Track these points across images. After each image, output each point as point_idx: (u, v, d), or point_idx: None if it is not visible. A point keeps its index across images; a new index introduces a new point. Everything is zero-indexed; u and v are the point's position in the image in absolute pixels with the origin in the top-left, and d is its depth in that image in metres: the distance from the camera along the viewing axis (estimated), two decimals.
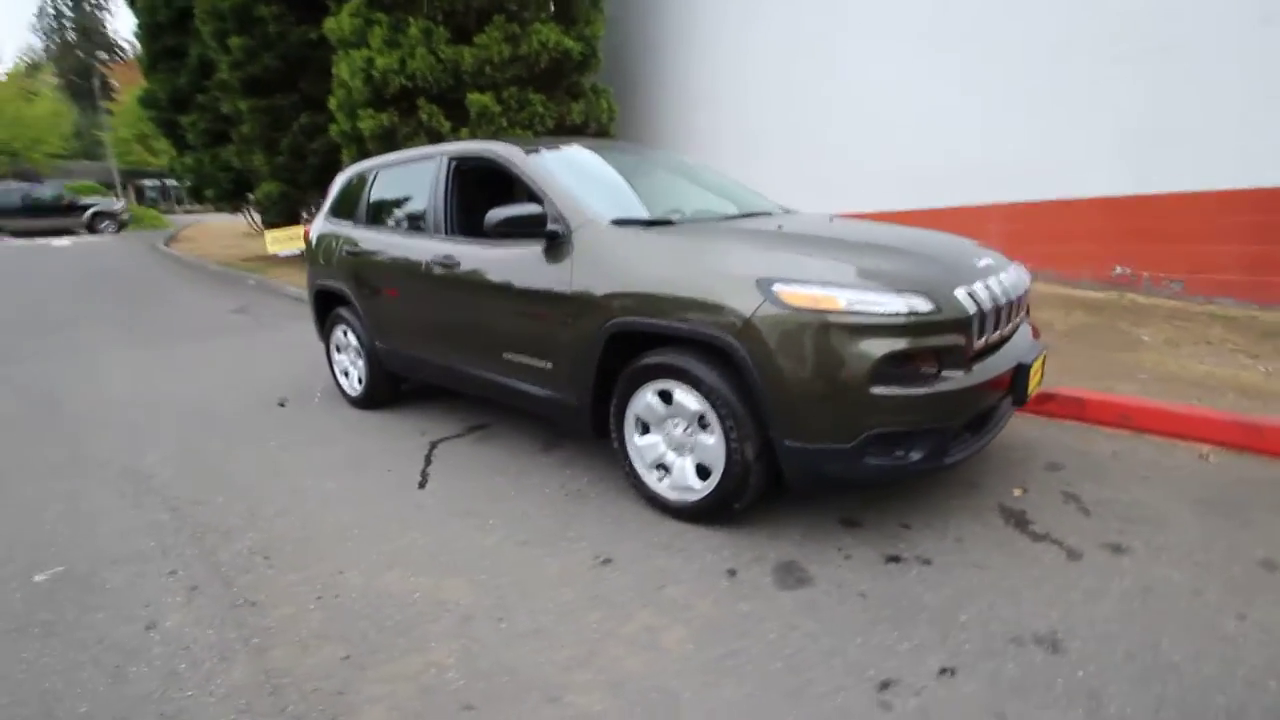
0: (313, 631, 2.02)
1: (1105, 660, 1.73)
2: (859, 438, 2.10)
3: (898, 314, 2.07)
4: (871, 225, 3.01)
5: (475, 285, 3.13)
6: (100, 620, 2.12)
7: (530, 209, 2.76)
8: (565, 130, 9.70)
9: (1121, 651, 1.75)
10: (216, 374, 5.26)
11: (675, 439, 2.52)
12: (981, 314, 2.25)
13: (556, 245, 2.78)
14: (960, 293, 2.21)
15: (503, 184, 3.43)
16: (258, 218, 15.51)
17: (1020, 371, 2.41)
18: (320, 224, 4.41)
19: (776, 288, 2.14)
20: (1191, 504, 2.50)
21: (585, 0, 9.49)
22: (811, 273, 2.18)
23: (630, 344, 2.56)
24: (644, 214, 2.93)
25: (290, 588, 2.25)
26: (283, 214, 12.33)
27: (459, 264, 3.21)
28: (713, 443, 2.36)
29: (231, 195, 15.52)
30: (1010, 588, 2.03)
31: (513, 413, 3.95)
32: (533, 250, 2.89)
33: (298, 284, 8.88)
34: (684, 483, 2.50)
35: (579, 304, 2.64)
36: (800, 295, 2.11)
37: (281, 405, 4.45)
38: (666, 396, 2.48)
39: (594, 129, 9.81)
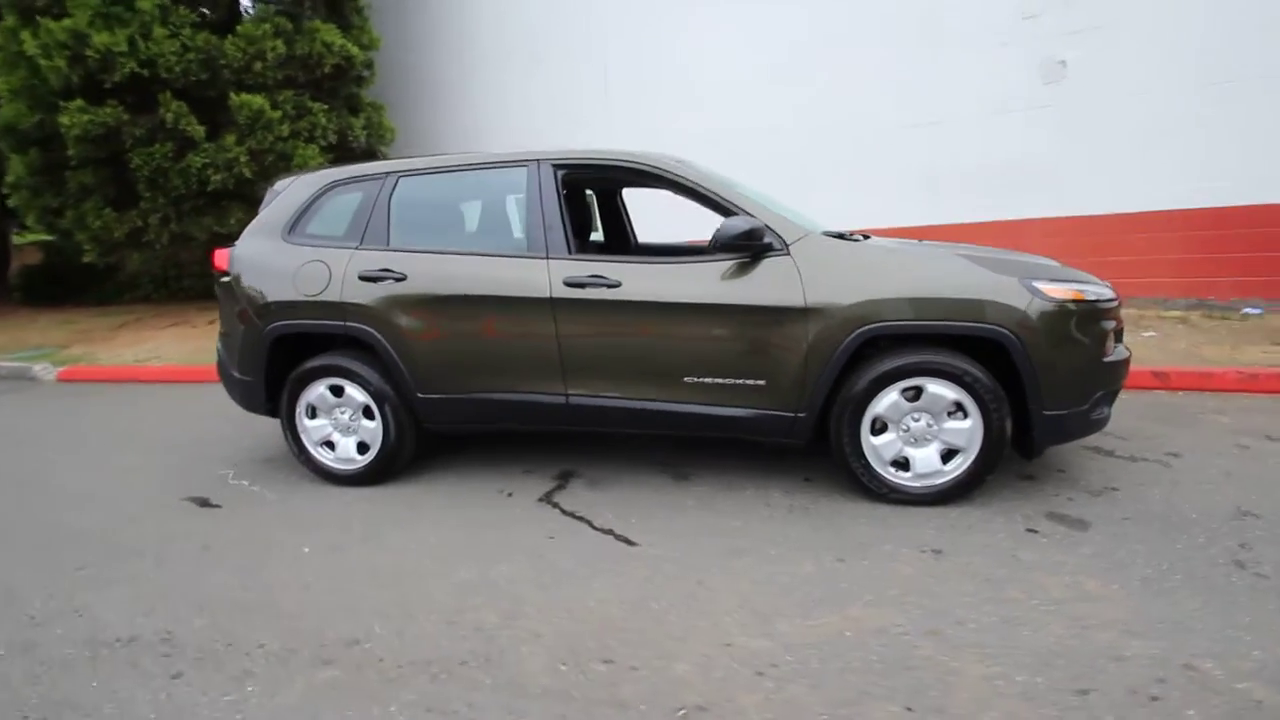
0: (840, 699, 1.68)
1: None
2: (1091, 399, 2.66)
3: (1112, 299, 2.69)
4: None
5: (648, 307, 2.79)
6: None
7: (752, 222, 2.65)
8: (348, 148, 8.44)
9: None
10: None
11: (916, 432, 2.72)
12: None
13: (761, 258, 2.73)
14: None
15: (578, 196, 3.10)
16: None
17: None
18: (270, 247, 3.22)
19: (1039, 285, 2.58)
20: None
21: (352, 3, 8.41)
22: (1050, 274, 2.67)
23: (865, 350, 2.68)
24: (821, 226, 3.03)
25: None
26: None
27: (619, 284, 2.80)
28: (968, 426, 2.64)
29: None
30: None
31: (590, 448, 3.55)
32: (724, 265, 2.77)
33: None
34: (930, 468, 2.71)
35: (819, 316, 2.64)
36: (1058, 290, 2.57)
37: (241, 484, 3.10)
38: (915, 393, 2.68)
39: (361, 149, 8.73)
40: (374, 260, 3.06)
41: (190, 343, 7.55)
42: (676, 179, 2.88)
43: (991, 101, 6.55)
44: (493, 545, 2.61)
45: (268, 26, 7.04)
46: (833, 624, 2.01)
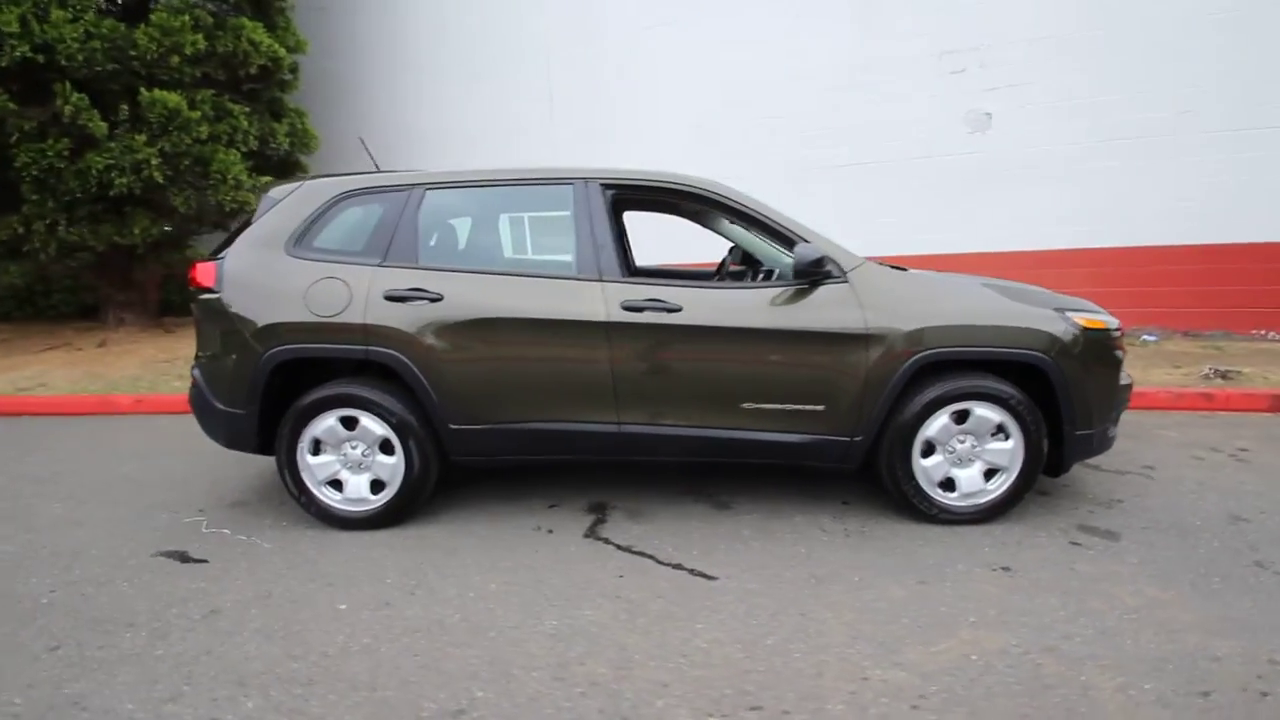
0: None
1: None
2: (1108, 420, 2.90)
3: (1119, 327, 2.96)
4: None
5: (710, 333, 2.73)
6: None
7: (823, 249, 2.69)
8: (265, 156, 7.75)
9: None
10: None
11: (961, 453, 2.83)
12: None
13: (820, 285, 2.76)
14: None
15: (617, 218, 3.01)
16: None
17: None
18: (271, 262, 2.85)
19: (1071, 314, 2.78)
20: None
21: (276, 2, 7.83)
22: (1075, 305, 2.90)
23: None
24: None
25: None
26: None
27: (680, 309, 2.72)
28: (1010, 446, 2.79)
29: None
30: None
31: (612, 478, 3.40)
32: (782, 291, 2.79)
33: None
34: (975, 488, 2.83)
35: (879, 342, 2.70)
36: (1086, 319, 2.79)
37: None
38: (961, 416, 2.79)
39: (280, 157, 8.10)
40: (402, 279, 2.79)
41: (78, 368, 6.51)
42: (735, 204, 2.87)
43: (920, 146, 7.12)
44: (562, 588, 2.42)
45: (186, 18, 6.34)
46: (954, 649, 2.03)
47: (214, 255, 3.01)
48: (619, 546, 2.76)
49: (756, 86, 7.60)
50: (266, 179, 7.43)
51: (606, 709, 1.79)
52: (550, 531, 2.91)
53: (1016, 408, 2.76)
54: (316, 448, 2.89)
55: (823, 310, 2.74)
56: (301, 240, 2.88)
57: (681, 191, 2.93)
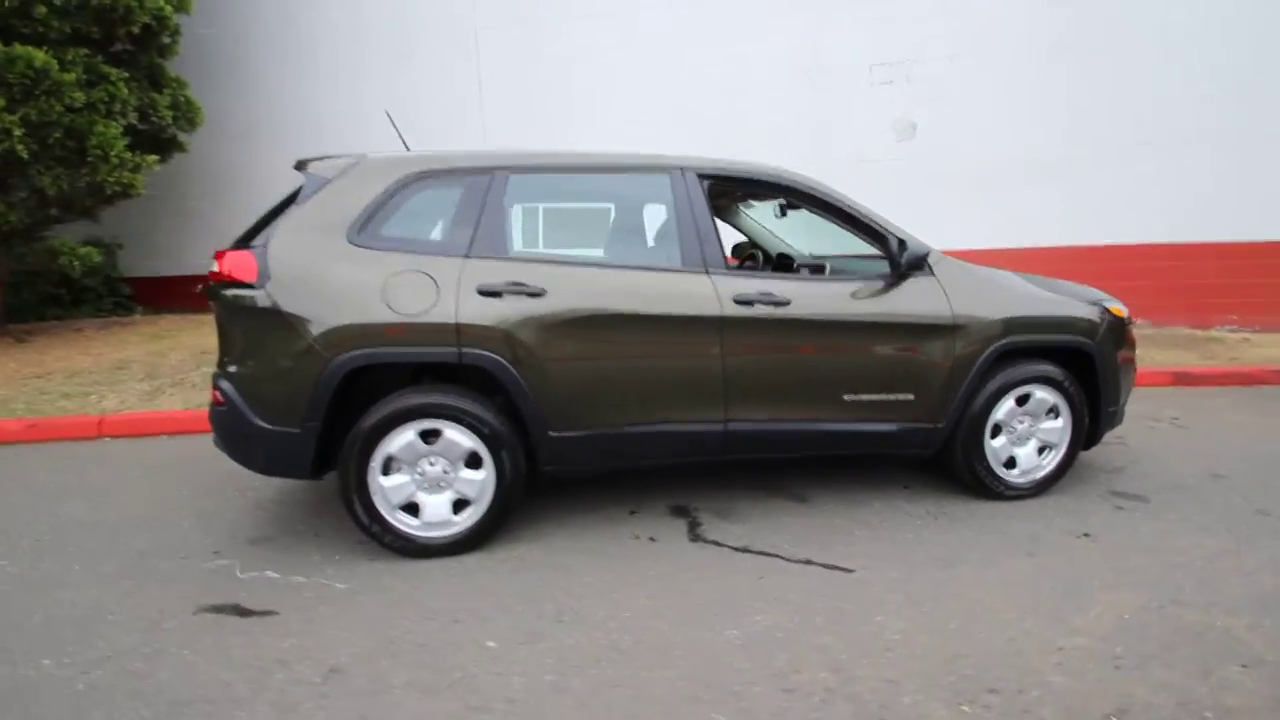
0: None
1: None
2: (1125, 398, 3.29)
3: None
4: None
5: (817, 326, 2.72)
6: None
7: (925, 245, 2.78)
8: (149, 134, 6.61)
9: None
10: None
11: (1020, 433, 3.08)
12: None
13: (907, 277, 2.87)
14: None
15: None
16: None
17: None
18: (332, 251, 2.43)
19: (1106, 304, 3.12)
20: None
21: None
22: (1097, 295, 3.23)
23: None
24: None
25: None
26: None
27: (789, 303, 2.67)
28: (1060, 425, 3.08)
29: None
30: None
31: (673, 480, 3.30)
32: (874, 283, 2.87)
33: None
34: (1032, 464, 3.09)
35: (963, 331, 2.86)
36: (1113, 309, 3.14)
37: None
38: (1023, 399, 3.03)
39: (161, 132, 7.00)
40: (495, 272, 2.49)
41: None
42: (826, 198, 2.90)
43: (852, 150, 7.62)
44: (714, 597, 2.31)
45: None
46: (1105, 611, 2.20)
47: (244, 244, 2.50)
48: (734, 548, 2.68)
49: (699, 85, 7.70)
50: (153, 158, 6.31)
51: (860, 713, 1.74)
52: (653, 539, 2.76)
53: (1068, 389, 3.05)
54: (386, 467, 2.51)
55: (916, 302, 2.86)
56: (367, 227, 2.47)
57: (774, 184, 2.91)
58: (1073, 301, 3.12)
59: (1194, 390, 5.29)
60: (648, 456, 2.76)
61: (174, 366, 5.60)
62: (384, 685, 1.86)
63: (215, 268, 2.49)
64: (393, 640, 2.07)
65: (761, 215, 4.11)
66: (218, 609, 2.26)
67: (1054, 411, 3.10)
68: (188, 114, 7.08)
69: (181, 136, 7.57)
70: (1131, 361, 3.31)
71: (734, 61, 7.63)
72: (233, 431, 2.48)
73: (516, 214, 2.64)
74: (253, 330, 2.42)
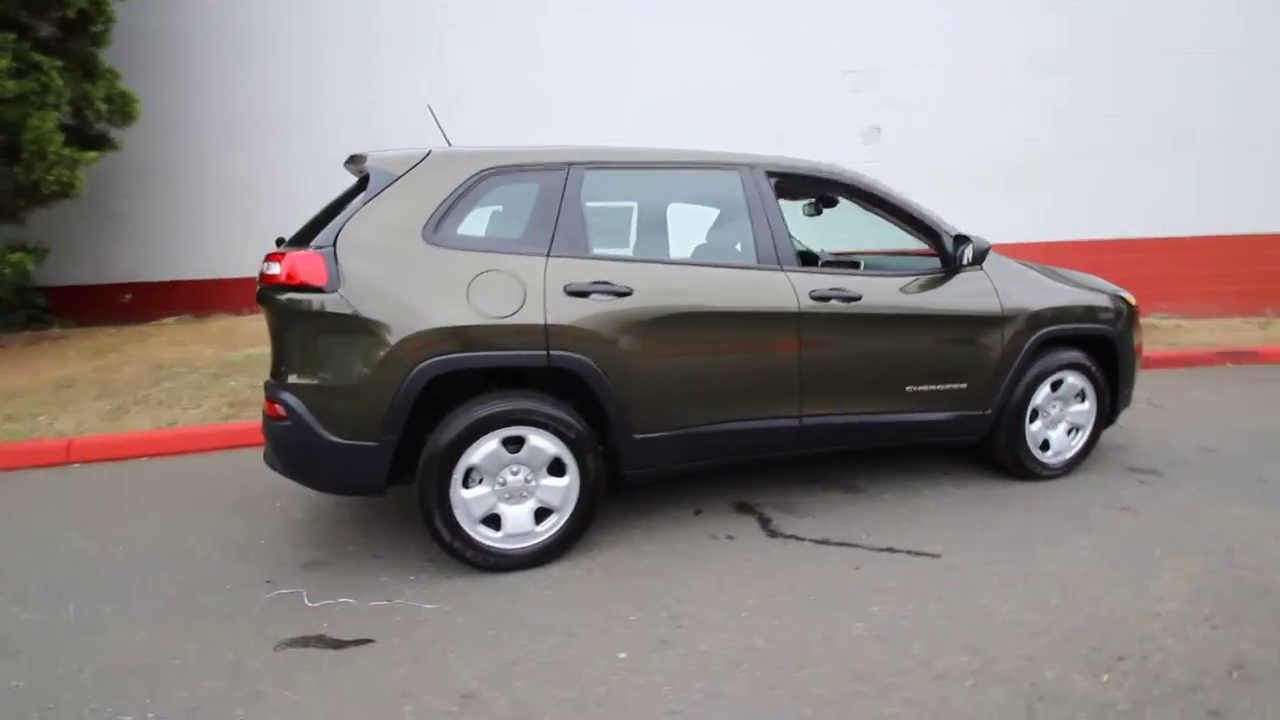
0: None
1: None
2: (1135, 380, 3.55)
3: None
4: None
5: (885, 320, 2.78)
6: None
7: (987, 240, 2.89)
8: (76, 130, 5.99)
9: None
10: None
11: (1054, 416, 3.25)
12: None
13: (956, 270, 2.97)
14: None
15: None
16: None
17: None
18: (407, 250, 2.27)
19: (1121, 294, 3.33)
20: None
21: None
22: (1113, 286, 3.45)
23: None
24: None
25: None
26: None
27: (860, 298, 2.70)
28: (1086, 408, 3.28)
29: None
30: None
31: (725, 477, 3.28)
32: (927, 277, 2.96)
33: None
34: (1063, 445, 3.27)
35: (1011, 322, 3.00)
36: (1128, 298, 3.37)
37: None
38: (1055, 385, 3.20)
39: (93, 127, 6.44)
40: (579, 271, 2.40)
41: None
42: (885, 197, 2.97)
43: (825, 153, 7.85)
44: (819, 590, 2.31)
45: None
46: (1178, 578, 2.35)
47: (301, 243, 2.29)
48: (814, 541, 2.70)
49: (671, 87, 7.71)
50: (93, 154, 5.70)
51: (1016, 693, 1.79)
52: (730, 538, 2.74)
53: (1094, 374, 3.26)
54: (465, 479, 2.36)
55: (970, 295, 2.97)
56: (442, 225, 2.32)
57: (833, 181, 2.95)
58: (1096, 292, 3.33)
59: (1151, 373, 5.77)
60: (728, 454, 2.73)
61: (129, 383, 5.08)
62: (531, 708, 1.75)
63: (271, 270, 2.27)
64: (515, 660, 1.95)
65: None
66: (302, 642, 2.06)
67: (1081, 395, 3.30)
68: (123, 108, 6.44)
69: (114, 133, 6.90)
70: (1140, 347, 3.57)
71: (708, 66, 7.70)
72: (297, 448, 2.27)
73: (597, 211, 2.55)
74: (323, 337, 2.22)
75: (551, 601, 2.28)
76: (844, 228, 3.74)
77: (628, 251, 2.55)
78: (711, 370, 2.61)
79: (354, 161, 2.46)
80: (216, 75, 8.04)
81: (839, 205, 3.47)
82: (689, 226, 2.83)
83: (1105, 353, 3.31)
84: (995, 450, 3.22)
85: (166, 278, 8.44)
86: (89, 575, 2.53)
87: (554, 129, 7.85)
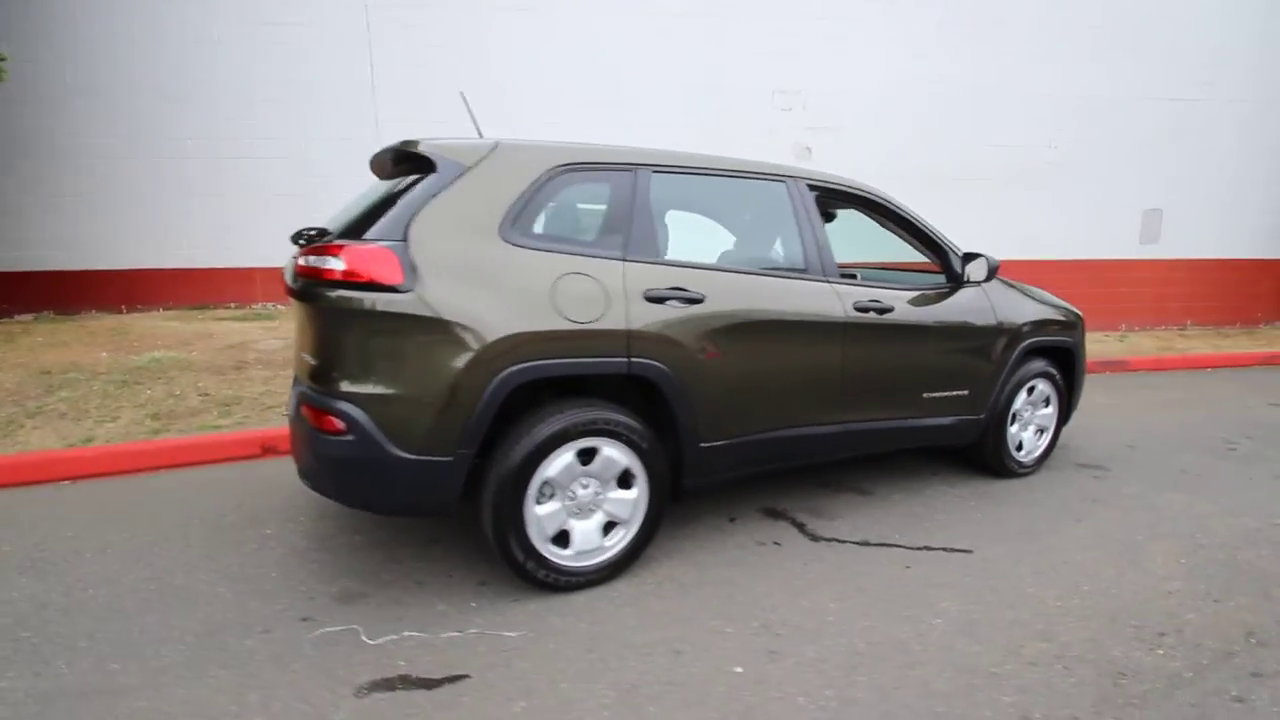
0: None
1: None
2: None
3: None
4: None
5: (909, 331, 2.98)
6: None
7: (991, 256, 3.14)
8: None
9: None
10: None
11: (1025, 420, 3.60)
12: None
13: (960, 285, 3.22)
14: None
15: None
16: None
17: None
18: (487, 250, 2.11)
19: (1073, 309, 3.76)
20: None
21: None
22: (1062, 301, 3.88)
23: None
24: None
25: None
26: None
27: (892, 309, 2.84)
28: (1051, 411, 3.68)
29: None
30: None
31: (750, 484, 3.36)
32: (937, 291, 3.20)
33: None
34: (1032, 445, 3.64)
35: (1004, 333, 3.30)
36: (1078, 312, 3.81)
37: None
38: (1030, 391, 3.55)
39: None
40: (655, 276, 2.33)
41: None
42: (904, 215, 3.16)
43: None
44: (884, 590, 2.42)
45: None
46: (1167, 559, 2.71)
47: (357, 236, 2.03)
48: (856, 543, 2.80)
49: (608, 90, 7.69)
50: None
51: (1100, 672, 1.97)
52: (778, 544, 2.78)
53: (1058, 381, 3.66)
54: (539, 494, 2.22)
55: (973, 309, 3.24)
56: (518, 223, 2.16)
57: (863, 198, 3.08)
58: (1057, 308, 3.74)
59: None
60: (781, 461, 2.78)
61: (12, 392, 4.24)
62: None
63: (324, 265, 2.00)
64: (634, 684, 1.86)
65: None
66: (386, 685, 1.83)
67: (1047, 400, 3.69)
68: None
69: None
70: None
71: (642, 76, 7.76)
72: (358, 465, 2.01)
73: (669, 215, 2.49)
74: (393, 341, 1.99)
75: (638, 619, 2.19)
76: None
77: (695, 258, 2.52)
78: (772, 379, 2.64)
79: (407, 147, 2.23)
80: (94, 39, 6.98)
81: (835, 219, 3.66)
82: (746, 234, 2.85)
83: (1065, 362, 3.74)
84: (982, 451, 3.53)
85: (21, 268, 7.18)
86: (74, 627, 2.08)
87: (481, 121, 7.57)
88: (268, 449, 3.73)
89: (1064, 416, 3.76)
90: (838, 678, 1.92)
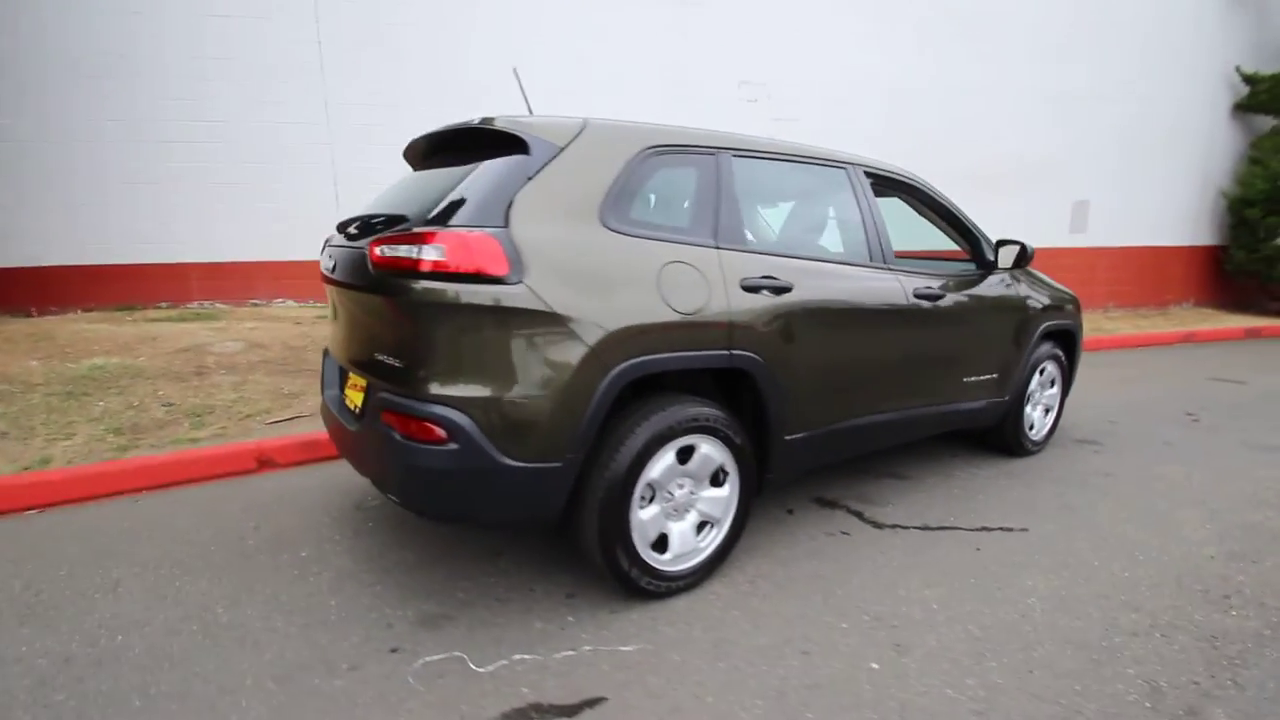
0: None
1: None
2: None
3: None
4: None
5: (955, 316, 3.01)
6: None
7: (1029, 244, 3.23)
8: None
9: None
10: None
11: (1035, 400, 3.76)
12: None
13: (990, 272, 3.31)
14: None
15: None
16: None
17: None
18: (587, 236, 1.95)
19: (1072, 293, 3.95)
20: None
21: None
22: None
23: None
24: None
25: None
26: None
27: (943, 297, 2.87)
28: (1055, 391, 3.86)
29: None
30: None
31: (850, 477, 3.36)
32: (970, 277, 3.27)
33: None
34: (1040, 424, 3.81)
35: (1032, 316, 3.43)
36: (1075, 296, 4.01)
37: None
38: (1042, 371, 3.71)
39: None
40: (746, 264, 2.23)
41: None
42: (943, 204, 3.20)
43: None
44: (966, 574, 2.45)
45: None
46: (1194, 526, 2.89)
47: (444, 223, 1.81)
48: (918, 528, 2.83)
49: (566, 75, 7.47)
50: None
51: (1195, 636, 2.07)
52: (846, 534, 2.76)
53: (1062, 362, 3.85)
54: (663, 493, 2.10)
55: (1004, 294, 3.34)
56: (615, 208, 2.00)
57: (908, 185, 3.09)
58: (1062, 291, 3.93)
59: None
60: (852, 451, 2.77)
61: None
62: None
63: (414, 254, 1.77)
64: (781, 691, 1.78)
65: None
66: (519, 716, 1.66)
67: (1053, 381, 3.88)
68: None
69: None
70: None
71: (609, 63, 7.60)
72: (463, 476, 1.80)
73: (755, 202, 2.39)
74: (500, 337, 1.79)
75: (750, 621, 2.11)
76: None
77: (768, 243, 2.44)
78: (849, 369, 2.61)
79: (484, 124, 2.02)
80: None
81: None
82: (815, 222, 2.80)
83: (1067, 344, 3.94)
84: (1002, 432, 3.66)
85: None
86: (105, 682, 1.77)
87: (441, 100, 7.20)
88: (264, 462, 3.36)
89: (1066, 396, 3.97)
90: (971, 666, 1.91)
